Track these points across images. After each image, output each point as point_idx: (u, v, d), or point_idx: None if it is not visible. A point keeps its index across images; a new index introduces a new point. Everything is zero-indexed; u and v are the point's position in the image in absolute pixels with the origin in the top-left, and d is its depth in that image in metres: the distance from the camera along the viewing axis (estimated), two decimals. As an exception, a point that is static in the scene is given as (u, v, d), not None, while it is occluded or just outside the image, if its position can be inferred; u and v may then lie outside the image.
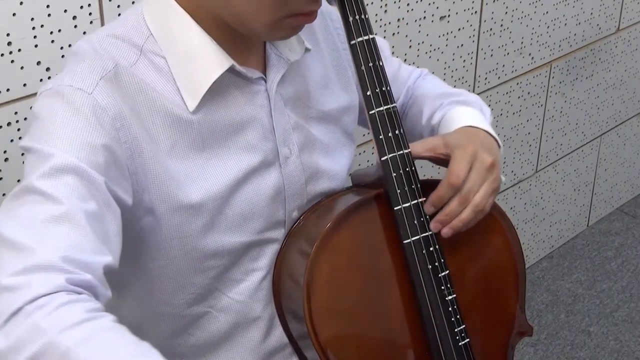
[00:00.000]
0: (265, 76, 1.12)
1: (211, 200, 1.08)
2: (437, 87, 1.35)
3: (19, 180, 1.52)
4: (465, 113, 1.24)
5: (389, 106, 1.12)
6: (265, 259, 1.16)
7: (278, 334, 1.19)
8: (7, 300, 0.86)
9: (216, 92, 1.08)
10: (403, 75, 1.38)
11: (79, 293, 0.88)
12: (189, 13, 1.06)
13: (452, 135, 1.18)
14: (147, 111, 1.04)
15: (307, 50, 1.17)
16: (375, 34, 1.13)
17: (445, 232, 1.12)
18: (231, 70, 1.08)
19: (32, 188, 0.94)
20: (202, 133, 1.08)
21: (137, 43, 1.06)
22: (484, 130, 1.21)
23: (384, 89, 1.12)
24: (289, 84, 1.16)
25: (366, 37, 1.12)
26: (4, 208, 0.96)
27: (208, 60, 1.06)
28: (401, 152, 1.11)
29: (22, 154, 1.50)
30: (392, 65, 1.35)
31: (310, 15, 1.05)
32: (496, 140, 1.22)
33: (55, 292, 0.86)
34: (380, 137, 1.11)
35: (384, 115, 1.12)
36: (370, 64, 1.12)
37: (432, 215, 1.13)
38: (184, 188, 1.07)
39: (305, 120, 1.18)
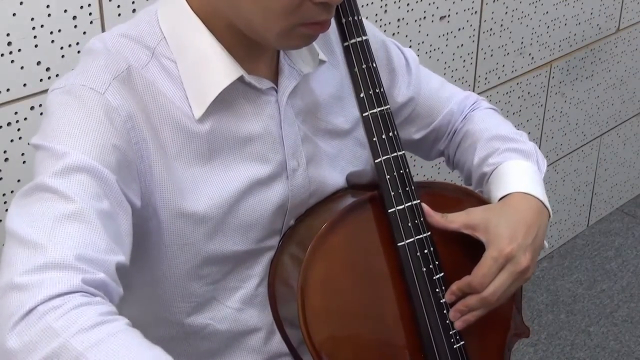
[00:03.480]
0: (277, 86, 1.11)
1: (215, 210, 1.07)
2: (494, 125, 1.29)
3: (19, 180, 1.53)
4: (520, 172, 1.21)
5: (382, 108, 1.12)
6: (260, 266, 1.15)
7: (277, 340, 1.18)
8: (20, 299, 0.85)
9: (224, 101, 1.06)
10: (443, 95, 1.33)
11: (94, 295, 0.88)
12: (203, 19, 1.05)
13: (497, 219, 1.14)
14: (156, 114, 1.04)
15: (321, 62, 1.15)
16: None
17: (459, 325, 1.14)
18: (241, 80, 1.06)
19: (44, 186, 0.94)
20: (209, 142, 1.06)
21: (150, 45, 1.05)
22: (536, 198, 1.18)
23: (377, 90, 1.12)
24: (301, 96, 1.14)
25: (359, 39, 1.11)
26: (15, 205, 0.95)
27: (217, 69, 1.05)
28: (395, 154, 1.11)
29: (22, 154, 1.51)
30: (430, 81, 1.32)
31: (324, 25, 1.03)
32: (548, 210, 1.19)
33: (70, 293, 0.86)
34: (374, 139, 1.11)
35: (377, 117, 1.11)
36: (364, 66, 1.11)
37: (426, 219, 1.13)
38: (187, 196, 1.06)
39: (314, 133, 1.16)
